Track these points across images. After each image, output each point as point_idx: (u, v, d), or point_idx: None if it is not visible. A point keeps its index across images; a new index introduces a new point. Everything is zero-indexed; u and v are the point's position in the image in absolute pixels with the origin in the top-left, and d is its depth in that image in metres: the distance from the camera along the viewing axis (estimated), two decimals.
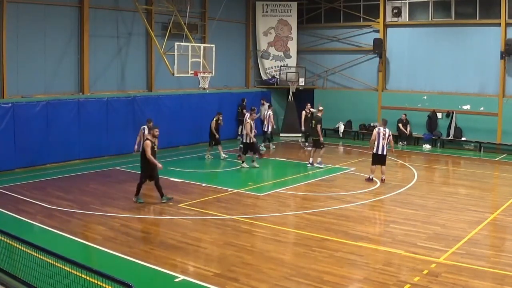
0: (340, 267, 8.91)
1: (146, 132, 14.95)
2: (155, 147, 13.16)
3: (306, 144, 21.91)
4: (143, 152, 12.89)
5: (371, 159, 15.78)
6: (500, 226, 11.66)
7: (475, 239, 10.41)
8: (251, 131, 17.65)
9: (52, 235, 10.51)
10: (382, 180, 15.41)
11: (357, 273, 8.71)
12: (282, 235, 10.77)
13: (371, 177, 15.65)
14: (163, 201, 13.04)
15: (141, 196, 13.13)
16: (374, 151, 15.48)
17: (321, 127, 17.91)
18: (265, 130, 21.24)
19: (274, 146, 22.22)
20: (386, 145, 15.52)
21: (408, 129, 23.31)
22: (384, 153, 15.53)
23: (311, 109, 21.37)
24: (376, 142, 15.45)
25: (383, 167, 15.58)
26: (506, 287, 8.02)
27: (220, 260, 9.28)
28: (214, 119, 19.16)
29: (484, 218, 11.93)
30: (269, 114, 21.13)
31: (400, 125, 23.27)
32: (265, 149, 21.07)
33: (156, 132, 13.26)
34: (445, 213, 12.32)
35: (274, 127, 22.03)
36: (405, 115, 23.32)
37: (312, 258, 9.34)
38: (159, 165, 12.98)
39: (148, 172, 12.99)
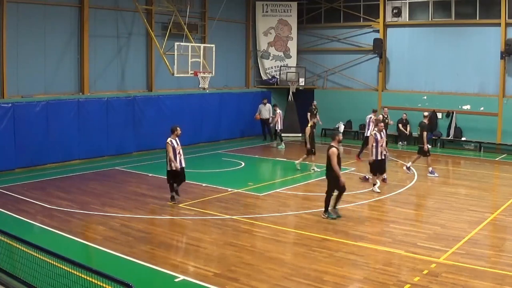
0: (340, 267, 8.92)
1: (175, 144, 12.84)
2: (340, 154, 11.82)
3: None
4: (328, 161, 11.59)
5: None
6: (500, 226, 11.66)
7: (475, 239, 10.41)
8: (375, 147, 14.51)
9: (52, 235, 10.52)
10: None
11: (357, 273, 8.71)
12: (282, 235, 10.77)
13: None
14: (324, 216, 11.82)
15: (331, 211, 11.86)
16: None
17: (427, 134, 16.76)
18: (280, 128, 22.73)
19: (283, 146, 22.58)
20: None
21: (408, 129, 23.30)
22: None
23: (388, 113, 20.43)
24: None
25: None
26: (506, 287, 8.02)
27: (220, 260, 9.28)
28: (309, 125, 17.04)
29: (484, 218, 11.93)
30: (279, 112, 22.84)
31: (400, 125, 23.26)
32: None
33: (340, 137, 12.01)
34: (445, 213, 12.33)
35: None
36: (405, 115, 23.31)
37: (312, 258, 9.34)
38: (342, 179, 11.58)
39: (335, 182, 11.67)
